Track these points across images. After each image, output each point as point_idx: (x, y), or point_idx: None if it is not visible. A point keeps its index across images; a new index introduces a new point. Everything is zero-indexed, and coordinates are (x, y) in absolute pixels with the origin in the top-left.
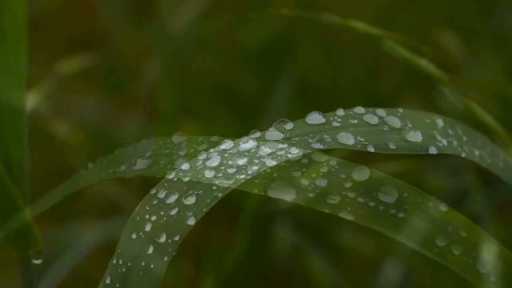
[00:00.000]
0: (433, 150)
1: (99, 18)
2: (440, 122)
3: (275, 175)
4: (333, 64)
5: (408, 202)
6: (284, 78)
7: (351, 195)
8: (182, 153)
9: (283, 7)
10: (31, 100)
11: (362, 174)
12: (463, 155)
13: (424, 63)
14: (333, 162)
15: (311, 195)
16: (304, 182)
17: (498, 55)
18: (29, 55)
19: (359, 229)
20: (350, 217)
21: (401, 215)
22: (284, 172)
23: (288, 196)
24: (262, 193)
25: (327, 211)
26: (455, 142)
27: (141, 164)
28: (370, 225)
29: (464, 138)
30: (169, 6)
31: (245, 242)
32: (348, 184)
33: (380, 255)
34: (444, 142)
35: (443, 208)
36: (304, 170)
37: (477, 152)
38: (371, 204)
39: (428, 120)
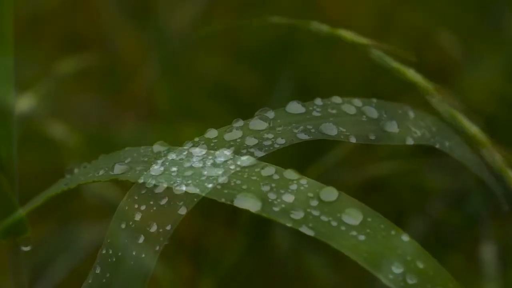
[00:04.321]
0: (410, 141)
1: (98, 18)
2: (411, 113)
3: (244, 187)
4: (333, 64)
5: (370, 226)
6: (284, 78)
7: (315, 213)
8: (159, 161)
9: (275, 14)
10: (30, 101)
11: (330, 195)
12: (437, 146)
13: (411, 73)
14: (303, 181)
15: (275, 208)
16: (272, 196)
17: (498, 55)
18: (26, 55)
19: None
20: (311, 233)
21: (361, 237)
22: (253, 185)
23: (253, 207)
24: (229, 202)
25: (289, 225)
26: (427, 133)
27: (117, 170)
28: (328, 242)
29: (434, 129)
30: (168, 6)
31: (244, 242)
32: (314, 203)
33: None
34: (418, 133)
35: (405, 238)
36: (273, 185)
37: (447, 143)
38: (334, 223)
39: (400, 111)
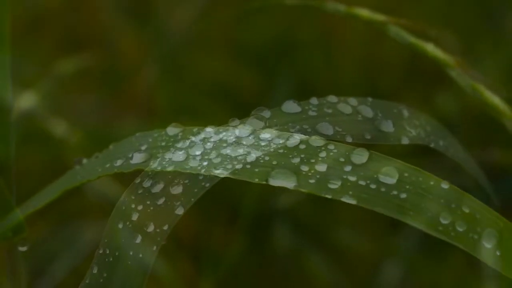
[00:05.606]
0: (405, 141)
1: (98, 18)
2: (405, 112)
3: (274, 162)
4: (333, 63)
5: (409, 182)
6: (283, 77)
7: (352, 178)
8: (178, 145)
9: (276, 12)
10: (30, 100)
11: (361, 156)
12: (432, 145)
13: (430, 48)
14: (331, 146)
15: (312, 181)
16: (304, 168)
17: (499, 55)
18: (27, 55)
19: (359, 229)
20: (353, 201)
21: (403, 195)
22: (282, 159)
23: (289, 184)
24: (264, 182)
25: (329, 196)
26: (422, 133)
27: (138, 158)
28: (373, 208)
29: (428, 129)
30: (168, 6)
31: (244, 242)
32: (348, 168)
33: (380, 255)
34: (414, 132)
35: (445, 185)
36: (302, 156)
37: (441, 143)
38: (373, 186)
39: (395, 110)
